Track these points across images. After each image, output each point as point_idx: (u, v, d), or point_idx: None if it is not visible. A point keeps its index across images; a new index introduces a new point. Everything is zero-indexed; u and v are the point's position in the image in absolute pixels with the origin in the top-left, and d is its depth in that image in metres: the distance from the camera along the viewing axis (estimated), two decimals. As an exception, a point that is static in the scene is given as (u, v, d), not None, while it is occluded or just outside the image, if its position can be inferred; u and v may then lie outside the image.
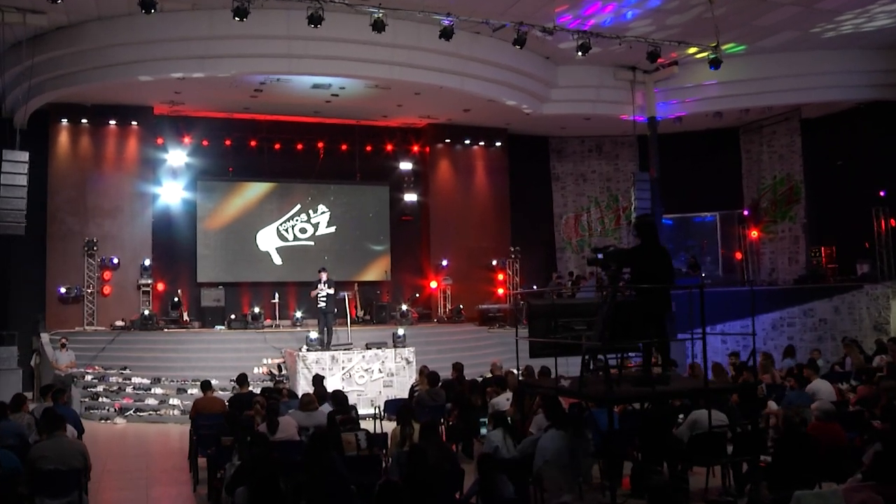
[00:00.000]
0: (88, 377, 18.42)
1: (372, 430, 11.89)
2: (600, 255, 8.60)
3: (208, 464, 9.84)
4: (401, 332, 18.01)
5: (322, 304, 18.02)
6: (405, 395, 16.59)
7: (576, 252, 27.30)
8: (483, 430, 10.09)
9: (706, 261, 26.92)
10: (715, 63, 17.92)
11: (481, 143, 25.38)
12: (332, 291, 17.96)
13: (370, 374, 16.99)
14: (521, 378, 14.03)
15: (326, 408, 11.81)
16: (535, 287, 25.94)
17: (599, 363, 8.91)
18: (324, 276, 18.14)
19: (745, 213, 26.11)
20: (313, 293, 18.14)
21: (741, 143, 26.48)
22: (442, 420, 12.77)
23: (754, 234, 25.97)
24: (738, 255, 26.26)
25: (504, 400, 11.95)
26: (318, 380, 13.18)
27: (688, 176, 24.54)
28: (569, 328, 9.26)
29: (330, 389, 14.08)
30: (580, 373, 8.47)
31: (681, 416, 10.11)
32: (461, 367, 14.47)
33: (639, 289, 8.55)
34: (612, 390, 7.77)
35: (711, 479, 9.75)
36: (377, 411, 14.04)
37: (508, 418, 9.00)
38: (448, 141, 25.02)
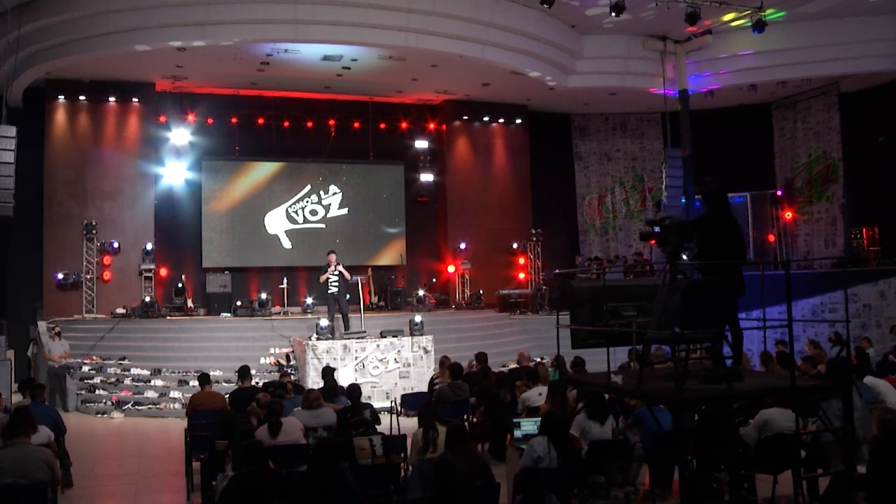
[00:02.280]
0: (85, 368, 17.39)
1: (388, 427, 10.69)
2: (656, 229, 7.29)
3: (202, 470, 8.64)
4: (418, 319, 16.78)
5: (333, 290, 16.93)
6: (423, 387, 15.47)
7: (599, 235, 26.16)
8: (518, 432, 8.77)
9: (736, 244, 25.67)
10: (759, 26, 16.59)
11: (500, 121, 24.25)
12: (340, 274, 16.84)
13: (385, 365, 15.79)
14: (551, 368, 12.85)
15: (341, 402, 10.64)
16: (556, 271, 24.79)
17: (654, 356, 7.65)
18: (333, 259, 17.03)
19: (779, 193, 24.73)
20: (322, 277, 17.04)
21: (773, 119, 25.10)
22: (465, 417, 11.54)
23: (788, 215, 24.59)
24: (771, 238, 24.92)
25: (536, 395, 10.74)
26: (328, 372, 11.95)
27: (717, 154, 23.13)
28: (616, 314, 7.98)
29: (342, 382, 12.94)
30: (639, 367, 7.14)
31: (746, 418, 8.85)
32: (485, 357, 13.23)
33: (706, 268, 7.26)
34: (682, 390, 6.47)
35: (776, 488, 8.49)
36: (394, 405, 12.84)
37: (552, 420, 7.70)
38: (466, 118, 23.95)
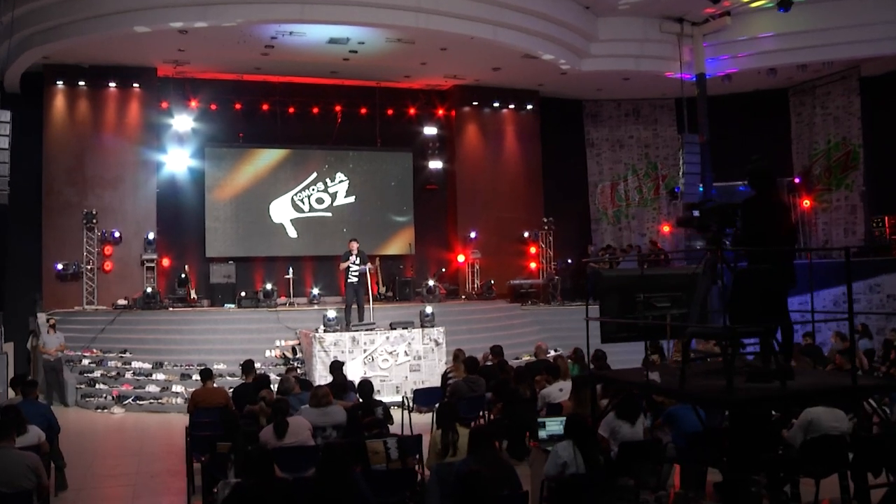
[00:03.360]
0: (85, 361, 16.86)
1: (399, 424, 10.07)
2: (696, 213, 6.68)
3: (203, 474, 8.05)
4: (429, 310, 16.22)
5: (353, 279, 16.39)
6: (434, 380, 14.92)
7: (612, 223, 25.55)
8: (542, 433, 8.15)
9: (750, 234, 25.07)
10: (784, 4, 15.93)
11: (511, 107, 23.61)
12: (365, 267, 16.33)
13: (395, 358, 15.24)
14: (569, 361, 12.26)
15: (350, 398, 10.07)
16: (569, 261, 24.24)
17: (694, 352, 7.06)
18: (354, 248, 16.51)
19: (797, 181, 24.06)
20: (343, 266, 16.43)
21: (790, 105, 24.40)
22: (481, 413, 10.95)
23: (806, 203, 23.93)
24: (789, 226, 24.22)
25: (556, 391, 10.15)
26: (337, 366, 11.38)
27: (732, 141, 22.43)
28: (649, 305, 7.38)
29: (350, 376, 12.37)
30: (681, 363, 6.53)
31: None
32: (501, 350, 12.65)
33: (754, 256, 6.64)
34: (733, 390, 5.85)
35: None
36: (405, 401, 12.30)
37: (577, 423, 7.10)
38: (475, 104, 23.29)
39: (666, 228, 25.35)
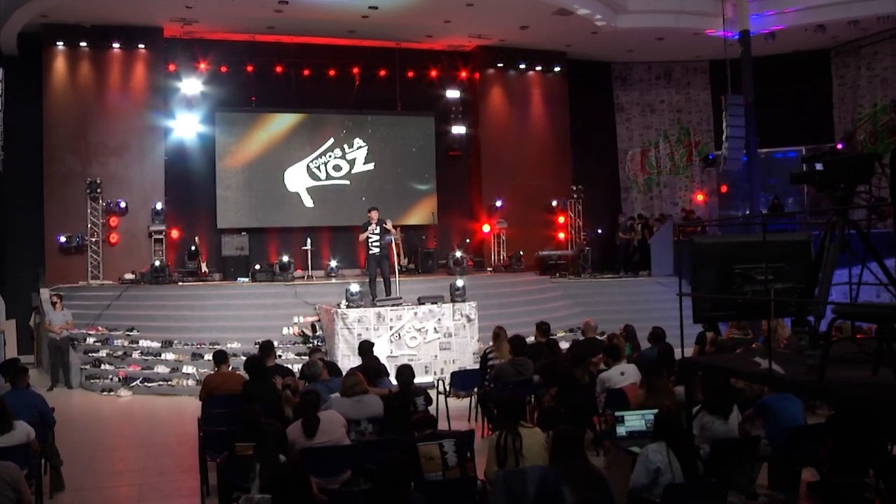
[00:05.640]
0: (90, 340, 15.80)
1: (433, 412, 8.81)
2: (818, 166, 5.45)
3: (219, 479, 6.89)
4: (460, 283, 15.00)
5: (375, 250, 15.31)
6: (466, 359, 13.86)
7: (643, 192, 24.47)
8: (621, 429, 6.94)
9: (788, 202, 23.93)
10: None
11: (538, 69, 22.39)
12: (389, 237, 15.22)
13: (423, 335, 14.05)
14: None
15: (385, 384, 8.90)
16: (600, 231, 23.09)
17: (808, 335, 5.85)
18: (375, 217, 15.37)
19: (839, 147, 22.73)
20: (362, 237, 15.31)
21: (833, 67, 23.09)
22: (529, 399, 9.74)
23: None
24: (828, 196, 22.98)
25: (617, 374, 8.97)
26: (366, 348, 10.21)
27: (769, 106, 21.10)
28: (749, 279, 6.19)
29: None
30: (821, 352, 5.28)
31: None
32: (548, 327, 11.45)
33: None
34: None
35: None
36: (439, 383, 11.15)
37: (668, 422, 5.89)
38: (500, 66, 22.08)
39: (700, 197, 24.24)
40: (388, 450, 5.31)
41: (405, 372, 8.27)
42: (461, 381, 11.01)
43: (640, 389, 7.90)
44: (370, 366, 9.31)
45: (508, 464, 5.81)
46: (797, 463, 7.19)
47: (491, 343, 11.16)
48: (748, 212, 21.68)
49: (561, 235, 22.31)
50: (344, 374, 8.81)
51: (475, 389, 10.94)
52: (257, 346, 14.04)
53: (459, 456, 6.01)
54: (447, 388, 11.03)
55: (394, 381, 8.98)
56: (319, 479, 6.19)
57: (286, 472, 4.74)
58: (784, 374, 5.39)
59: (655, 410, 6.57)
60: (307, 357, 13.62)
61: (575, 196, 22.37)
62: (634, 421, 6.93)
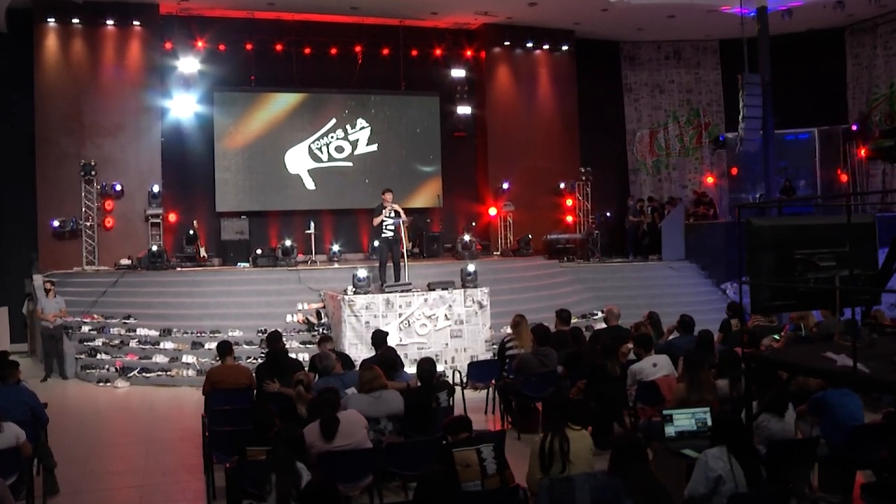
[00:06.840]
0: (85, 328, 15.21)
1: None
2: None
3: (227, 484, 6.29)
4: (471, 268, 14.39)
5: (388, 234, 14.72)
6: (477, 348, 13.30)
7: (651, 174, 23.93)
8: (670, 429, 6.34)
9: (799, 185, 23.40)
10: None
11: (545, 47, 21.85)
12: (399, 220, 14.61)
13: (434, 323, 13.47)
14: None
15: (403, 378, 8.32)
16: (608, 214, 22.53)
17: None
18: (389, 199, 14.74)
19: (854, 128, 22.16)
20: (376, 220, 14.74)
21: (847, 46, 22.49)
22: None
23: (863, 152, 22.05)
24: (843, 178, 22.47)
25: (650, 366, 8.39)
26: (381, 337, 9.61)
27: (780, 87, 20.39)
28: (810, 265, 5.63)
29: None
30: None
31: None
32: (568, 315, 10.86)
33: None
34: None
35: None
36: (457, 375, 10.58)
37: (728, 424, 5.30)
38: (507, 44, 21.53)
39: (710, 179, 23.68)
40: (417, 455, 4.74)
41: (426, 365, 7.66)
42: (478, 373, 10.46)
43: (680, 383, 7.32)
44: (386, 357, 8.65)
45: (554, 470, 5.24)
46: (855, 464, 6.65)
47: (510, 331, 10.57)
48: (759, 195, 21.15)
49: (569, 218, 21.78)
50: (357, 366, 8.22)
51: (493, 381, 10.36)
52: (260, 335, 13.60)
53: (499, 462, 5.42)
54: (463, 379, 10.45)
55: (410, 373, 8.41)
56: (340, 486, 5.62)
57: (313, 493, 4.16)
58: (869, 372, 4.81)
59: (706, 409, 6.00)
60: (313, 346, 13.09)
61: (583, 178, 21.82)
62: (683, 420, 6.32)
